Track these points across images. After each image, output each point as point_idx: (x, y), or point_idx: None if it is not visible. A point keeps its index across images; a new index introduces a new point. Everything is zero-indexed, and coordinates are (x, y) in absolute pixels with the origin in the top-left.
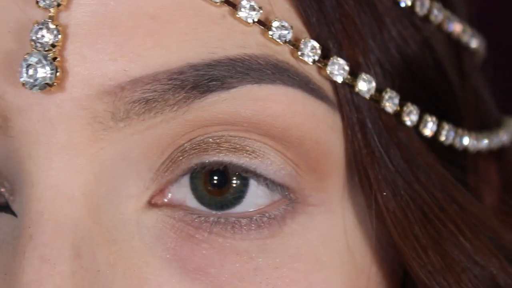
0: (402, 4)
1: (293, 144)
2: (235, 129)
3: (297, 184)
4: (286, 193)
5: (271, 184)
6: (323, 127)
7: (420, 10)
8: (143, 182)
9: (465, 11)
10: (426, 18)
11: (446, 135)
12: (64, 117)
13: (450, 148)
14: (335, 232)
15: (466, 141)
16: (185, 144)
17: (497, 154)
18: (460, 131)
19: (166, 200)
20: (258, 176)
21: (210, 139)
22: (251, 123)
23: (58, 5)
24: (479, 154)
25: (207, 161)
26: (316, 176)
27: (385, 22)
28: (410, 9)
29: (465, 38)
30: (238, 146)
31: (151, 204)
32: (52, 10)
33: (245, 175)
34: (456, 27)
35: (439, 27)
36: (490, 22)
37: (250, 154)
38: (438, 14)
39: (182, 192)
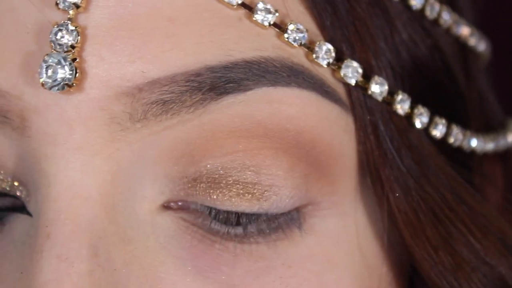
0: (413, 8)
1: (305, 148)
2: (248, 147)
3: (307, 200)
4: (296, 209)
5: (280, 214)
6: (335, 129)
7: (430, 14)
8: (158, 186)
9: (471, 14)
10: (435, 21)
11: (455, 137)
12: (81, 117)
13: (458, 150)
14: (347, 233)
15: (474, 143)
16: (202, 169)
17: (502, 156)
18: (468, 133)
19: (180, 203)
20: (268, 214)
21: (224, 175)
22: (266, 128)
23: (77, 6)
24: (485, 156)
25: (218, 208)
26: (327, 179)
27: (396, 25)
28: (421, 12)
29: (472, 41)
30: (250, 187)
31: (165, 207)
32: (71, 11)
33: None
34: (464, 31)
35: (448, 30)
36: (492, 24)
37: (260, 198)
38: (447, 18)
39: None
